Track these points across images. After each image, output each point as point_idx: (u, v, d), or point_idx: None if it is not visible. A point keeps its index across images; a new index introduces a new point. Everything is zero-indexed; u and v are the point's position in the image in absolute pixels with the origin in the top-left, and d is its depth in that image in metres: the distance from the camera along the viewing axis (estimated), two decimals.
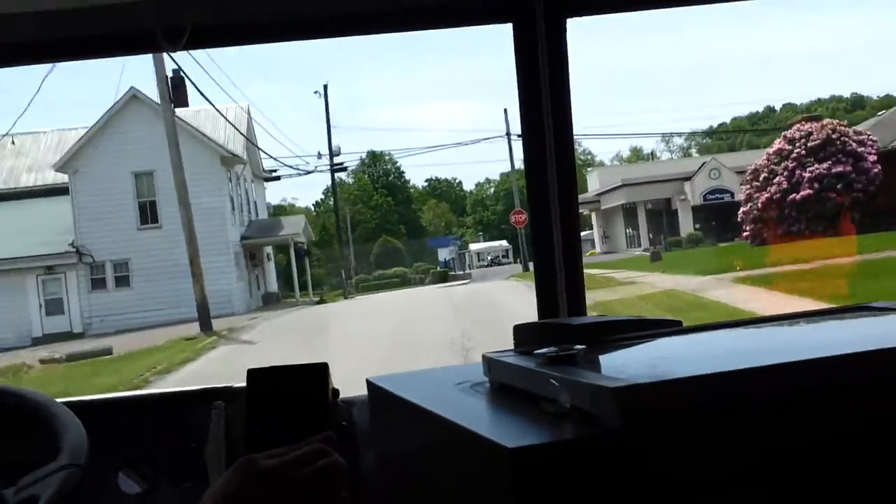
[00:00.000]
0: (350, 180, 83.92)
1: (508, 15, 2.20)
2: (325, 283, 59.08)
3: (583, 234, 70.77)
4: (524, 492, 0.91)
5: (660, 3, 2.33)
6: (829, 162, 30.69)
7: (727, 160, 55.72)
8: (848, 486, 0.99)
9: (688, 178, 54.64)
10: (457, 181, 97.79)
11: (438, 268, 57.66)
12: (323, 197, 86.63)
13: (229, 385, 2.13)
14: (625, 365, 1.24)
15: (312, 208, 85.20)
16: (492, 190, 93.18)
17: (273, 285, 41.94)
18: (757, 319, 1.49)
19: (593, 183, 64.60)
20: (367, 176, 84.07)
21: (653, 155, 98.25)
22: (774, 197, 31.25)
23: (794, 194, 30.73)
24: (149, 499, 2.01)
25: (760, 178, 32.53)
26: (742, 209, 33.94)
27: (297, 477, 1.16)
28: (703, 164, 55.24)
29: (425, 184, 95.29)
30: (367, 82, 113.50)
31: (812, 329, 1.45)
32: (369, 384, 1.48)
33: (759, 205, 32.01)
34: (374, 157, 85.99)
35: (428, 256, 65.62)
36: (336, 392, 1.99)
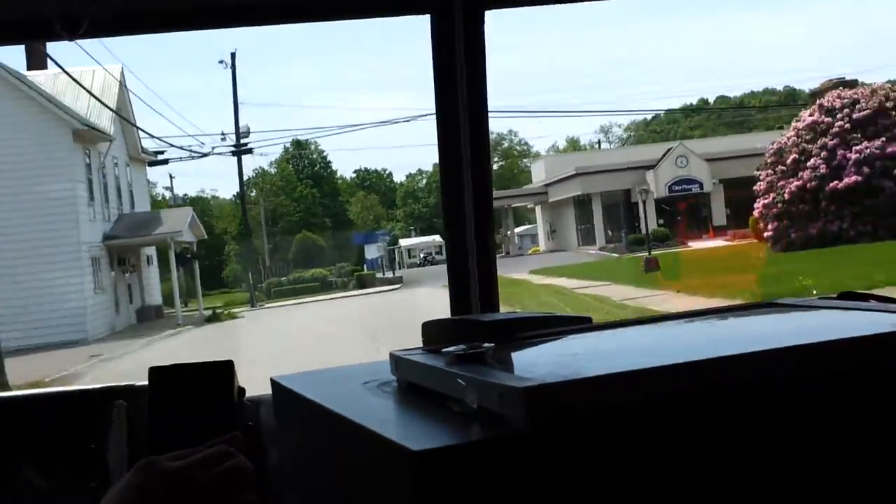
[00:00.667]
0: (273, 170, 77.89)
1: (427, 6, 2.15)
2: (242, 280, 51.39)
3: (523, 228, 64.61)
4: (428, 495, 0.88)
5: None
6: (883, 139, 22.60)
7: (695, 146, 47.61)
8: (757, 482, 0.97)
9: (650, 167, 46.56)
10: (387, 172, 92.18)
11: (365, 268, 49.27)
12: (246, 188, 79.67)
13: (132, 383, 2.02)
14: (534, 364, 1.21)
15: (234, 199, 77.85)
16: (423, 181, 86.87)
17: (155, 296, 32.75)
18: (665, 316, 1.46)
19: (538, 173, 56.62)
20: (290, 166, 78.55)
21: (599, 143, 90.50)
22: (809, 185, 23.01)
23: (835, 182, 22.58)
24: (50, 499, 1.92)
25: (788, 162, 24.14)
26: (761, 202, 25.53)
27: (201, 479, 1.10)
28: (668, 151, 47.16)
29: (353, 175, 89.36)
30: (286, 72, 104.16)
31: (721, 326, 1.42)
32: (273, 383, 1.40)
33: (786, 195, 23.68)
34: (299, 146, 79.60)
35: (354, 254, 58.27)
36: (242, 391, 1.87)
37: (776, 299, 1.47)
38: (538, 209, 56.88)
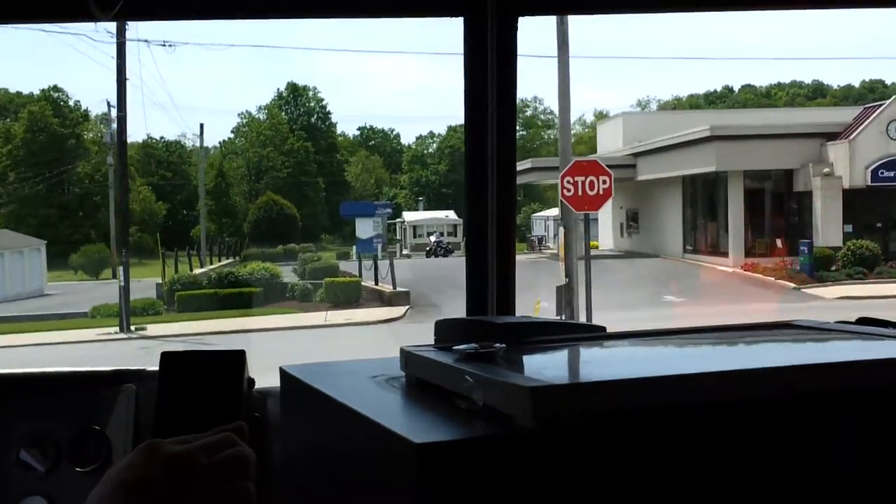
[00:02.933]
0: (262, 116, 64.22)
1: (460, 10, 2.05)
2: (212, 243, 32.41)
3: (548, 213, 43.68)
4: (428, 488, 0.85)
5: (611, 9, 2.36)
6: None
7: None
8: (754, 497, 0.95)
9: (834, 136, 25.87)
10: (394, 133, 78.47)
11: (353, 253, 29.43)
12: (232, 136, 62.77)
13: (142, 368, 1.93)
14: (543, 366, 1.19)
15: (219, 146, 65.45)
16: (434, 146, 72.09)
17: None
18: (681, 330, 1.38)
19: (610, 139, 36.29)
20: (283, 113, 64.18)
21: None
22: None
23: None
24: (50, 479, 1.80)
25: None
26: None
27: (203, 464, 1.05)
28: (872, 110, 26.16)
29: (357, 133, 75.11)
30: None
31: (735, 343, 1.38)
32: (282, 373, 1.35)
33: None
34: (295, 91, 65.61)
35: (342, 228, 38.83)
36: (252, 382, 1.77)
37: (794, 320, 1.40)
38: None
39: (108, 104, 52.99)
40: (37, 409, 1.83)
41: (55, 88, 54.57)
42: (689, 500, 0.92)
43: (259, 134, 61.22)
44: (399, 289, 21.86)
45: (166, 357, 1.73)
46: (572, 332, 1.32)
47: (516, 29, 2.01)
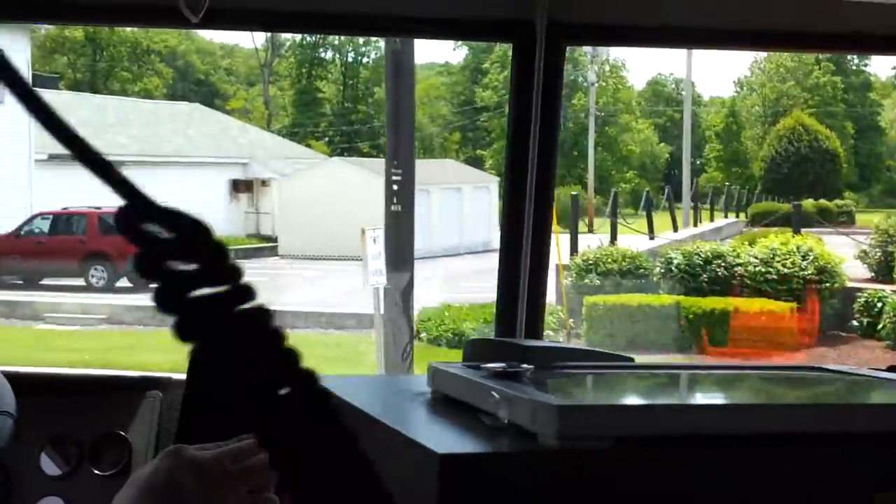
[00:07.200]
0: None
1: (511, 35, 2.08)
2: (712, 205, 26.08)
3: None
4: (450, 499, 0.83)
5: (657, 43, 2.31)
6: None
7: None
8: None
9: None
10: None
11: None
12: (748, 73, 51.62)
13: (169, 375, 1.88)
14: (570, 388, 1.17)
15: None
16: None
17: None
18: (711, 366, 1.26)
19: None
20: None
21: None
22: None
23: None
24: (69, 482, 1.76)
25: None
26: None
27: (229, 471, 1.02)
28: None
29: (892, 73, 55.63)
30: None
31: (760, 381, 1.33)
32: None
33: None
34: None
35: (871, 184, 27.04)
36: None
37: (825, 365, 1.32)
38: None
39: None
40: (60, 410, 1.75)
41: None
42: None
43: (779, 66, 47.89)
44: None
45: (194, 366, 1.74)
46: (600, 361, 1.27)
47: (564, 57, 1.97)
